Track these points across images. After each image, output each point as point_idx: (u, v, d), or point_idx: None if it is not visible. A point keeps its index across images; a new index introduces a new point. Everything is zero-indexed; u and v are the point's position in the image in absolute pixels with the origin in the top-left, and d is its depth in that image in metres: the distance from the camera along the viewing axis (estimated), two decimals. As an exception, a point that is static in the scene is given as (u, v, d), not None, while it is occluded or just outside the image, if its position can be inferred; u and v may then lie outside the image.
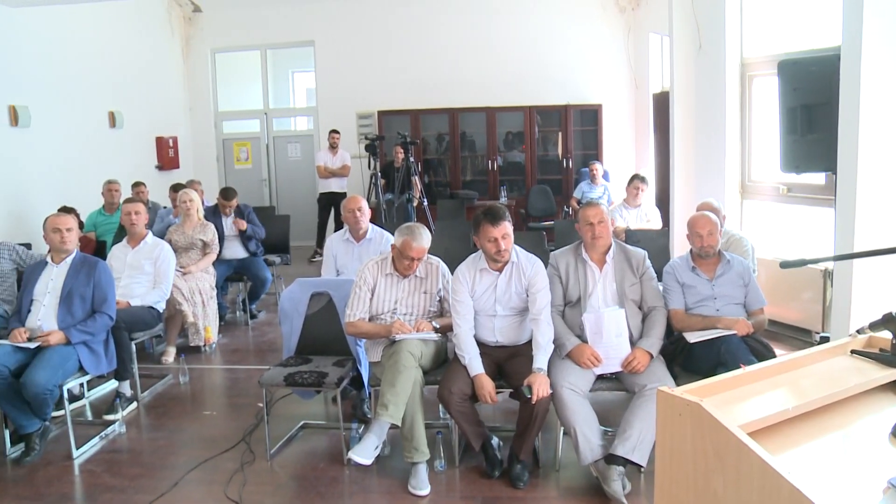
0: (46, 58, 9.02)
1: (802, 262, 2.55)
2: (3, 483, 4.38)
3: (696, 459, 1.79)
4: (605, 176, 10.59)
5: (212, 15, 12.67)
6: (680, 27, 6.91)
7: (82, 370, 4.79)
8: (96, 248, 7.77)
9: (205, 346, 6.78)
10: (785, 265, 2.59)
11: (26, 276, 5.06)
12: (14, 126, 8.45)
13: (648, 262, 4.35)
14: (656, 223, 7.76)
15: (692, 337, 4.21)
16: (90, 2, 9.29)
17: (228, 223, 7.73)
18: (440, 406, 4.43)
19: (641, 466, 3.85)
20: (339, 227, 10.01)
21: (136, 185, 8.73)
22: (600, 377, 4.13)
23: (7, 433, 4.75)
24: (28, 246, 6.61)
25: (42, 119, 8.79)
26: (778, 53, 6.16)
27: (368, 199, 7.27)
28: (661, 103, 10.07)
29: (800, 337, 6.41)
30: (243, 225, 7.68)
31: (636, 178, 7.83)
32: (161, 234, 6.88)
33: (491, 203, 4.32)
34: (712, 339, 4.11)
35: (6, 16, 8.36)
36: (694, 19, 6.76)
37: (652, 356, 4.07)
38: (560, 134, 11.85)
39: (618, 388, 4.16)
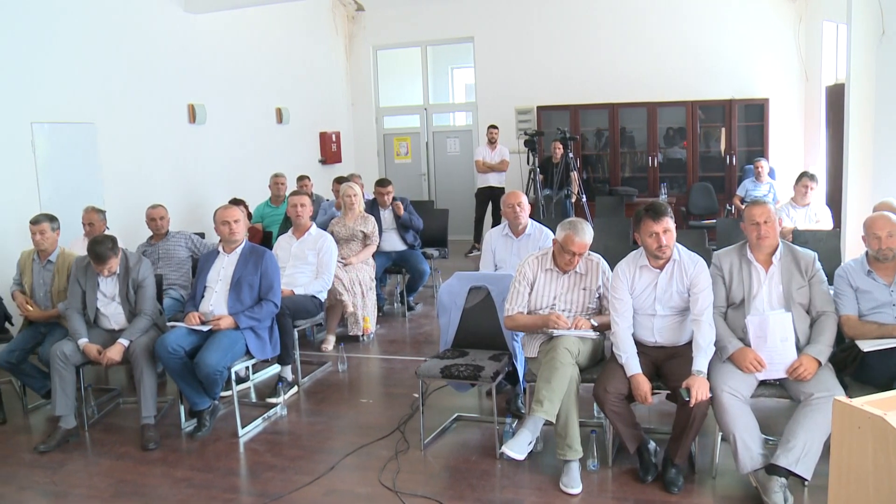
0: (221, 59, 9.58)
1: None
2: (178, 454, 4.71)
3: (878, 477, 1.67)
4: (771, 173, 10.12)
5: (374, 13, 13.01)
6: (860, 13, 6.46)
7: (249, 354, 5.03)
8: (262, 239, 8.14)
9: (363, 335, 6.97)
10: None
11: (200, 264, 5.37)
12: (192, 123, 9.03)
13: (819, 264, 4.10)
14: (826, 223, 7.33)
15: (866, 345, 3.92)
16: (263, 5, 9.76)
17: (387, 216, 7.88)
18: (595, 405, 4.36)
19: (806, 480, 3.65)
20: (496, 221, 10.08)
21: (301, 178, 9.08)
22: (763, 383, 3.94)
23: (182, 409, 5.09)
24: (202, 235, 7.01)
25: (216, 116, 9.34)
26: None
27: (527, 195, 7.26)
28: (835, 96, 9.51)
29: None
30: (400, 209, 7.81)
31: (805, 176, 7.43)
32: (324, 226, 7.12)
33: (653, 200, 4.19)
34: (890, 348, 3.82)
35: (188, 22, 8.94)
36: (877, 3, 6.30)
37: (820, 364, 3.83)
38: (723, 129, 11.40)
39: (781, 395, 3.96)
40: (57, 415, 4.89)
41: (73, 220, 6.53)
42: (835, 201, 8.34)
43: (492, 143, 11.33)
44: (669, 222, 4.03)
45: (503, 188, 10.88)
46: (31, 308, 5.39)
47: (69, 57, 7.34)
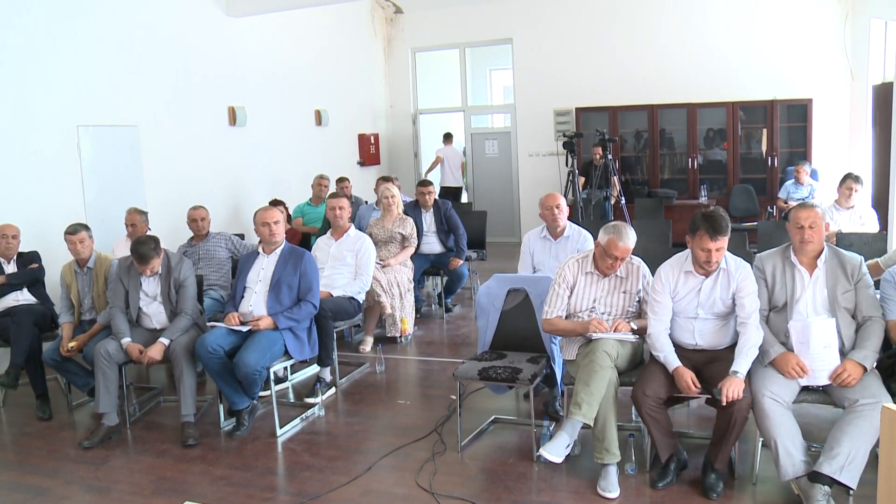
0: (261, 62, 9.69)
1: None
2: (217, 452, 4.75)
3: (928, 485, 1.63)
4: (814, 175, 9.94)
5: (412, 16, 13.04)
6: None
7: (287, 354, 5.06)
8: (301, 240, 8.19)
9: (401, 337, 6.97)
10: None
11: (240, 265, 5.42)
12: (232, 125, 9.13)
13: (865, 268, 4.00)
14: (872, 226, 7.17)
15: (915, 351, 3.85)
16: (303, 8, 9.84)
17: (429, 218, 7.87)
18: (633, 408, 4.31)
19: (851, 489, 3.57)
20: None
21: (340, 180, 9.12)
22: (806, 388, 3.86)
23: (221, 408, 5.14)
24: (242, 236, 7.07)
25: (256, 118, 9.44)
26: None
27: (565, 197, 7.19)
28: (883, 95, 9.32)
29: None
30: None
31: (849, 178, 7.27)
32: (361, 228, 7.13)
33: (714, 208, 4.11)
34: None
35: (228, 25, 9.06)
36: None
37: (865, 369, 3.74)
38: (765, 131, 11.20)
39: (825, 401, 3.87)
40: (100, 412, 4.98)
41: (116, 221, 6.63)
42: (881, 203, 8.18)
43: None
44: (726, 241, 3.97)
45: (453, 187, 12.22)
46: (74, 345, 5.28)
47: (114, 61, 7.47)
